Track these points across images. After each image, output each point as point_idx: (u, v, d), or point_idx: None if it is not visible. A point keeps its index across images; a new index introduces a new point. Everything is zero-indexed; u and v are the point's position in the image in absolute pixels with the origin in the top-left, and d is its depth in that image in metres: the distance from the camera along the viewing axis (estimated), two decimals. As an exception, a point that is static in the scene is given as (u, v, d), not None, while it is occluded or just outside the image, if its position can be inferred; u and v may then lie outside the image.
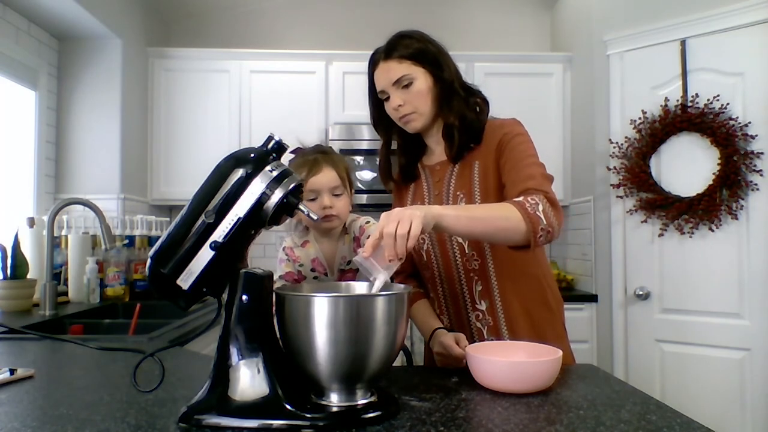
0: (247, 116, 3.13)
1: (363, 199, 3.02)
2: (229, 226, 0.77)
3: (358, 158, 3.05)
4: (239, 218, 0.78)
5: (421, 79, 1.25)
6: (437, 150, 1.34)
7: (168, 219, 3.14)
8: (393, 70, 1.25)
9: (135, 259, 2.60)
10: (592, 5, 2.93)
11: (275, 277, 1.41)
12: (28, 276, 2.11)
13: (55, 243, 2.39)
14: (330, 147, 1.48)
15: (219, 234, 0.77)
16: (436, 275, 1.31)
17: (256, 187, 0.78)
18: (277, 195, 0.78)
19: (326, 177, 1.31)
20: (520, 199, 1.08)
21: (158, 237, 2.86)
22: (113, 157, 2.81)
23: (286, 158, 1.34)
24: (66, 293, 2.36)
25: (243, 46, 3.40)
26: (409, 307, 1.28)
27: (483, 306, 1.25)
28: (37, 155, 2.64)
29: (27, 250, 2.18)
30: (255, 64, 3.14)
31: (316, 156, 1.33)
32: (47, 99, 2.70)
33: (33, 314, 1.98)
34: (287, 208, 0.80)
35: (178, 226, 0.79)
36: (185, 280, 0.78)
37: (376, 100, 1.33)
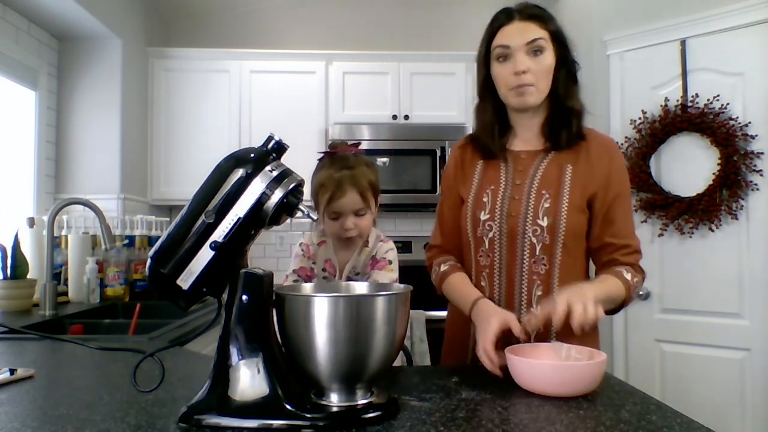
0: (247, 116, 3.13)
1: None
2: (229, 226, 0.78)
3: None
4: (239, 218, 0.78)
5: (550, 54, 1.18)
6: (525, 135, 1.26)
7: (168, 219, 3.14)
8: (530, 30, 1.17)
9: (135, 259, 2.60)
10: (592, 5, 2.93)
11: (289, 270, 1.44)
12: (28, 276, 2.11)
13: (55, 243, 2.39)
14: (357, 156, 1.36)
15: (219, 234, 0.77)
16: (495, 267, 1.23)
17: (256, 187, 0.78)
18: (277, 195, 0.78)
19: (349, 200, 1.28)
20: (629, 278, 1.16)
21: (158, 237, 2.86)
22: (113, 157, 2.81)
23: (315, 160, 1.33)
24: (66, 293, 2.36)
25: (243, 46, 3.40)
26: (441, 284, 1.27)
27: (537, 311, 1.17)
28: (37, 155, 2.64)
29: (27, 250, 2.18)
30: (255, 64, 3.14)
31: (342, 175, 1.27)
32: (47, 99, 2.70)
33: (33, 314, 1.98)
34: (287, 208, 0.80)
35: (178, 226, 0.79)
36: (185, 280, 0.78)
37: (488, 62, 1.23)
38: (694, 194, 2.44)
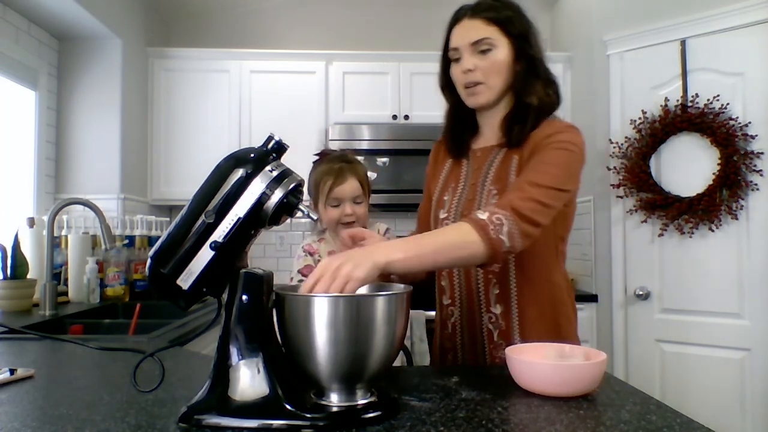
0: (247, 116, 3.13)
1: (363, 199, 3.03)
2: (229, 226, 0.77)
3: (358, 158, 3.05)
4: (239, 218, 0.78)
5: (502, 50, 1.15)
6: (487, 134, 1.25)
7: (168, 219, 3.14)
8: (476, 29, 1.15)
9: (135, 259, 2.60)
10: (592, 5, 2.93)
11: (293, 272, 1.49)
12: (28, 276, 2.11)
13: (55, 243, 2.39)
14: (352, 154, 1.55)
15: (219, 234, 0.77)
16: (453, 269, 1.25)
17: (256, 187, 0.78)
18: (277, 195, 0.78)
19: (350, 186, 1.42)
20: (485, 217, 0.98)
21: (158, 237, 2.86)
22: (113, 157, 2.81)
23: (312, 161, 1.49)
24: (66, 293, 2.36)
25: (243, 46, 3.40)
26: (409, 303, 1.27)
27: (497, 310, 1.19)
28: (37, 155, 2.64)
29: (27, 250, 2.18)
30: (255, 64, 3.14)
31: (342, 165, 1.42)
32: (47, 99, 2.70)
33: (33, 314, 1.98)
34: (287, 208, 0.80)
35: (178, 226, 0.79)
36: (185, 280, 0.78)
37: (447, 59, 1.22)
38: (694, 194, 2.45)
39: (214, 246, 0.77)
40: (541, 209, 1.03)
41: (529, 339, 1.16)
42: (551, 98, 1.19)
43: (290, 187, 0.79)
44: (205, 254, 0.78)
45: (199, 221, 0.78)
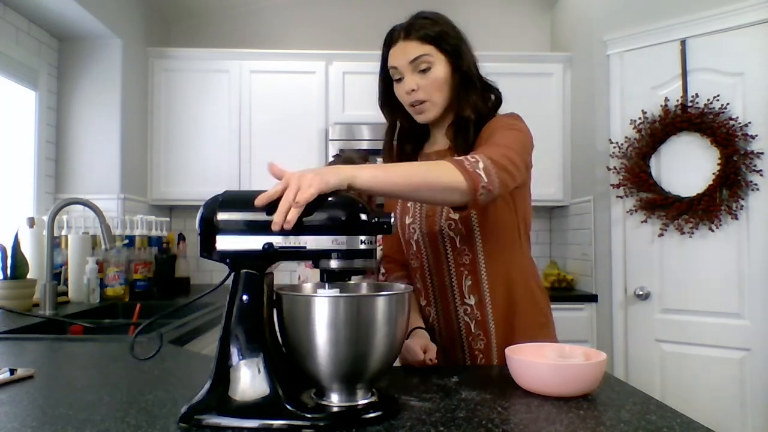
0: (247, 116, 3.13)
1: (363, 199, 3.03)
2: (290, 245, 0.78)
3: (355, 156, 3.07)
4: (303, 248, 0.78)
5: (440, 67, 1.20)
6: (440, 140, 1.30)
7: (168, 219, 3.14)
8: (412, 50, 1.19)
9: (135, 259, 2.60)
10: (592, 5, 2.93)
11: (300, 273, 1.57)
12: (28, 276, 2.11)
13: (55, 243, 2.39)
14: (359, 157, 1.65)
15: (278, 242, 0.78)
16: (425, 266, 1.30)
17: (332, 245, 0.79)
18: (338, 265, 0.79)
19: None
20: (462, 158, 1.01)
21: (158, 237, 2.87)
22: (113, 157, 2.81)
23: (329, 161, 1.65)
24: (66, 293, 2.36)
25: (243, 46, 3.40)
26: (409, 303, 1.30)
27: (472, 301, 1.24)
28: (37, 155, 2.64)
29: (27, 250, 2.17)
30: (255, 64, 3.14)
31: (344, 164, 1.49)
32: (47, 99, 2.70)
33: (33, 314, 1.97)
34: (342, 274, 0.82)
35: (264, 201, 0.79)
36: (223, 243, 0.79)
37: (386, 78, 1.27)
38: (694, 194, 2.45)
39: (266, 246, 0.78)
40: (511, 163, 1.06)
41: (504, 328, 1.22)
42: (488, 105, 1.25)
43: (356, 266, 0.80)
44: (254, 241, 0.78)
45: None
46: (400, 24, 1.24)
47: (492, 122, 1.21)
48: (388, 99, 1.29)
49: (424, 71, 1.19)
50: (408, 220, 1.31)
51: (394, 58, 1.22)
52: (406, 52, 1.20)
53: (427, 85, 1.20)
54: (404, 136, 1.33)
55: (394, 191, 0.95)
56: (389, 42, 1.25)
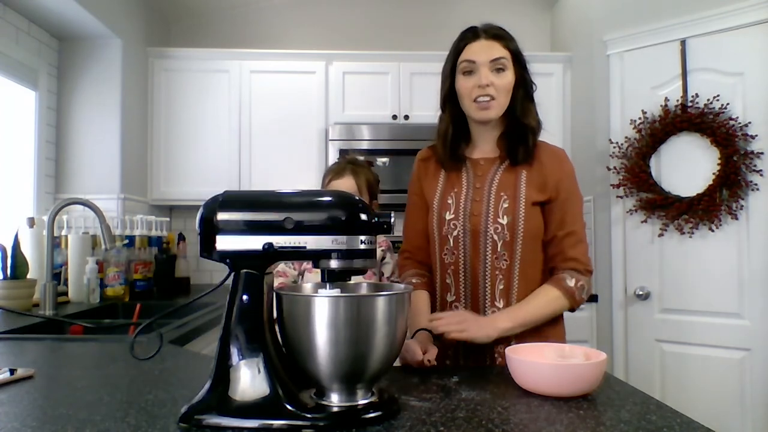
0: (247, 116, 3.12)
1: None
2: (291, 245, 0.78)
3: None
4: (303, 247, 0.78)
5: (511, 74, 1.28)
6: (484, 146, 1.36)
7: (168, 219, 3.14)
8: (496, 49, 1.27)
9: (135, 259, 2.60)
10: (592, 5, 2.93)
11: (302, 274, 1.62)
12: (28, 276, 2.11)
13: (55, 243, 2.39)
14: (363, 160, 1.66)
15: (279, 242, 0.78)
16: (460, 264, 1.32)
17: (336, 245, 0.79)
18: (340, 265, 0.79)
19: (345, 183, 1.53)
20: (572, 285, 1.25)
21: (158, 237, 2.87)
22: (113, 157, 2.81)
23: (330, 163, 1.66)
24: (66, 293, 2.36)
25: (243, 46, 3.40)
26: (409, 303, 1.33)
27: (501, 304, 1.28)
28: (37, 155, 2.64)
29: (27, 250, 2.17)
30: (255, 64, 3.14)
31: (345, 165, 1.57)
32: (47, 99, 2.70)
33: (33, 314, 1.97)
34: (344, 273, 0.82)
35: (261, 203, 0.80)
36: (223, 243, 0.79)
37: (453, 75, 1.32)
38: (694, 194, 2.44)
39: (266, 246, 0.78)
40: (590, 261, 1.32)
41: (523, 334, 1.25)
42: (540, 121, 1.35)
43: (356, 266, 0.80)
44: (254, 241, 0.78)
45: (281, 216, 0.78)
46: (478, 26, 1.32)
47: (553, 158, 1.32)
48: (451, 93, 1.34)
49: (499, 71, 1.26)
50: (449, 216, 1.34)
51: (473, 52, 1.28)
52: (490, 49, 1.27)
53: (499, 85, 1.26)
54: (451, 138, 1.36)
55: (524, 329, 1.24)
56: (469, 37, 1.30)
